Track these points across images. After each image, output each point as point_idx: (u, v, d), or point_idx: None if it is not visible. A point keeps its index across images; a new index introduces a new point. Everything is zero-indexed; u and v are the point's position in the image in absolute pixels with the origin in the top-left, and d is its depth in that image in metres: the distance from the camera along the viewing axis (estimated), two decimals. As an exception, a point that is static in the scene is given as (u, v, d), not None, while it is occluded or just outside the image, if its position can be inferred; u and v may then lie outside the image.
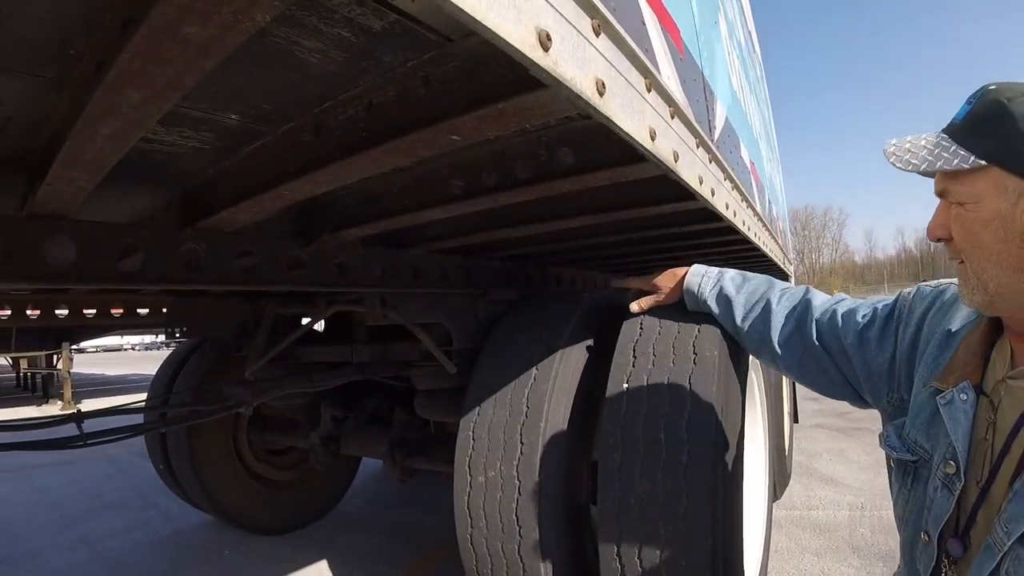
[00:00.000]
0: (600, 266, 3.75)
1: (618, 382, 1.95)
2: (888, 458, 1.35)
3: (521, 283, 3.03)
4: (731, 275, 1.86)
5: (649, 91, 1.29)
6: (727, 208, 2.17)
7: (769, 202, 4.80)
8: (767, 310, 1.71)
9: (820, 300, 1.65)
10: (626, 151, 1.30)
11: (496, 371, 2.25)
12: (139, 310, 4.34)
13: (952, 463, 1.14)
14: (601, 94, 0.99)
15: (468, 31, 0.71)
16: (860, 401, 1.58)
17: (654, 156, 1.27)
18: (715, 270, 1.88)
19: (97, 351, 46.72)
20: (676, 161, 1.43)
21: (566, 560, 2.03)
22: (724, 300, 1.83)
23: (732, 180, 2.34)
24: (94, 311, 4.06)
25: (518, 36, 0.74)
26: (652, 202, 1.84)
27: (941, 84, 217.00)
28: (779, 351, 1.68)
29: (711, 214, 2.02)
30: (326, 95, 1.23)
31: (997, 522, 1.05)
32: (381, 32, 0.97)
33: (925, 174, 1.10)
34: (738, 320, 1.80)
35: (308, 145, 1.34)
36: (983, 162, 1.02)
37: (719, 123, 2.29)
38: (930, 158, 1.06)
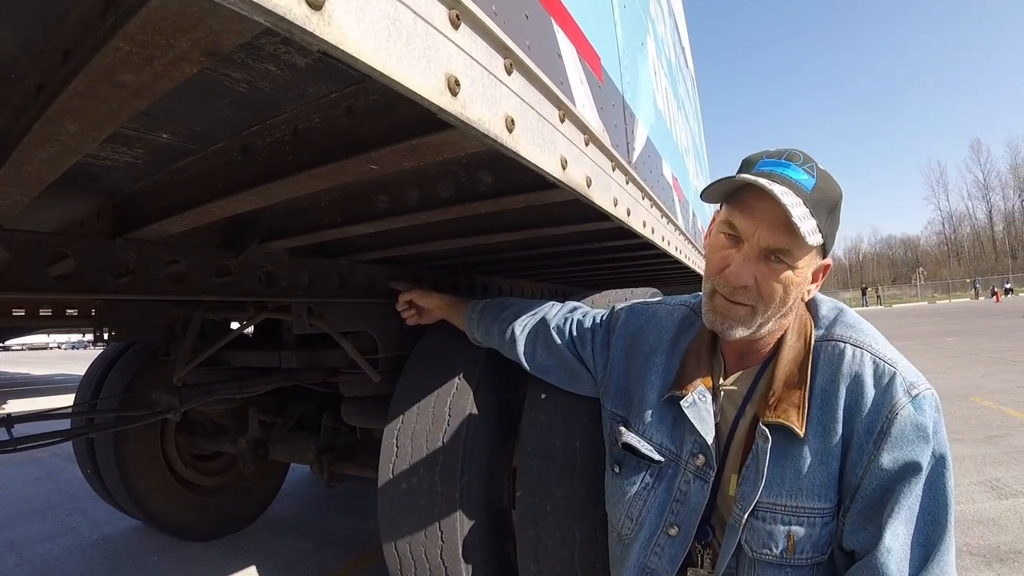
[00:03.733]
0: (528, 275, 3.84)
1: (537, 391, 2.02)
2: (615, 464, 1.53)
3: (449, 292, 3.08)
4: (490, 310, 2.08)
5: (563, 121, 1.37)
6: (645, 226, 2.27)
7: (694, 215, 4.97)
8: (512, 337, 1.93)
9: (555, 311, 1.91)
10: (541, 177, 1.38)
11: (420, 379, 2.30)
12: (68, 311, 4.24)
13: (701, 456, 1.35)
14: (511, 130, 1.06)
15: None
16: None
17: (565, 184, 1.35)
18: (479, 306, 2.11)
19: (23, 349, 44.98)
20: (589, 186, 1.52)
21: (487, 563, 2.10)
22: (484, 332, 2.07)
23: (651, 198, 2.45)
24: (23, 311, 3.95)
25: (426, 84, 0.81)
26: (570, 221, 1.93)
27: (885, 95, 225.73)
28: (527, 365, 1.92)
29: (626, 231, 2.11)
30: (254, 119, 1.27)
31: (734, 504, 1.28)
32: (305, 68, 1.03)
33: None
34: (498, 347, 2.04)
35: (236, 164, 1.38)
36: (822, 242, 1.21)
37: (639, 144, 2.40)
38: (809, 226, 1.15)
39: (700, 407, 1.35)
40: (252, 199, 1.41)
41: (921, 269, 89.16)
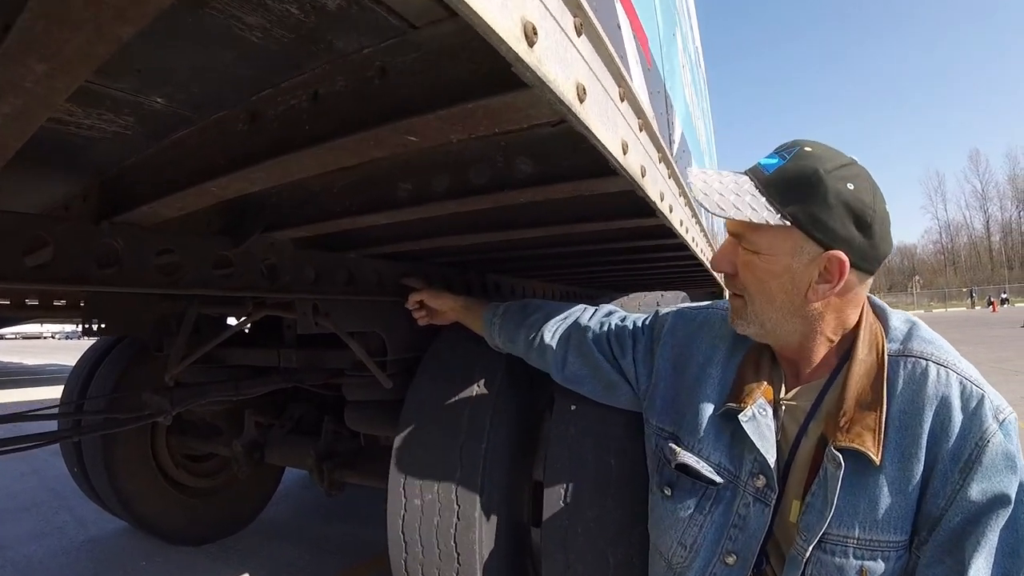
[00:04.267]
0: (542, 276, 3.66)
1: (566, 402, 1.85)
2: (665, 486, 1.38)
3: (462, 291, 2.90)
4: (512, 314, 1.87)
5: (622, 101, 1.20)
6: (681, 224, 2.10)
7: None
8: (540, 344, 1.74)
9: (589, 315, 1.74)
10: (593, 163, 1.21)
11: (434, 385, 2.12)
12: (56, 302, 4.04)
13: (762, 476, 1.22)
14: (581, 100, 0.88)
15: (435, 18, 0.60)
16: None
17: (625, 170, 1.18)
18: (500, 309, 1.90)
19: (16, 338, 45.14)
20: (643, 176, 1.35)
21: (505, 586, 1.92)
22: (507, 338, 1.87)
23: (686, 196, 2.28)
24: (7, 301, 3.78)
25: (504, 25, 0.63)
26: (613, 216, 1.74)
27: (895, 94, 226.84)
28: (557, 375, 1.74)
29: (666, 230, 1.95)
30: (265, 81, 1.08)
31: (796, 534, 1.15)
32: (336, 12, 0.84)
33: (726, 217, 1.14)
34: (523, 355, 1.85)
35: (241, 136, 1.18)
36: (788, 222, 1.10)
37: (677, 137, 2.23)
38: (739, 205, 1.12)
39: (760, 422, 1.21)
40: (260, 176, 1.22)
41: (917, 277, 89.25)
